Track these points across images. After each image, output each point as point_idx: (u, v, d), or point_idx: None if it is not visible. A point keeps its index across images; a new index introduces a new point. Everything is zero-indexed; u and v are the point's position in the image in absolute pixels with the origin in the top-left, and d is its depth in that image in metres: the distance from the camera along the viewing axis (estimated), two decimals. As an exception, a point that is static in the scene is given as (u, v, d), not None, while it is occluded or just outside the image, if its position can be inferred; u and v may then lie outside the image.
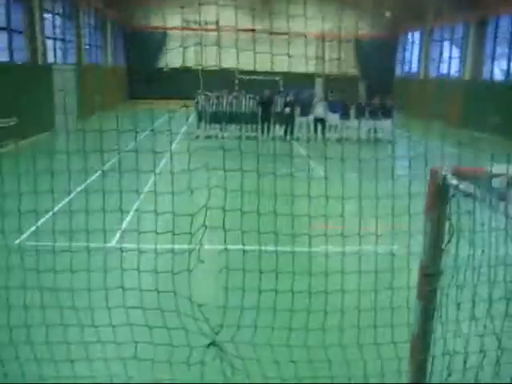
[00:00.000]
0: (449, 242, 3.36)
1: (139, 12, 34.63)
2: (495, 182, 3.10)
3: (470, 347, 3.54)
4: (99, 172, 5.00)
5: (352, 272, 4.01)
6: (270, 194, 4.40)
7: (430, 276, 3.45)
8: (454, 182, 3.23)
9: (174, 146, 17.55)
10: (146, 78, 34.89)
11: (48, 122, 20.14)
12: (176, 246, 4.23)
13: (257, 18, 34.81)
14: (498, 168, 3.18)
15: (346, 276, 4.03)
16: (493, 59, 25.31)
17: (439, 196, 3.38)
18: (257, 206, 3.93)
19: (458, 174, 3.33)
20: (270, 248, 4.30)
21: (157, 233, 4.03)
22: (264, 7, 34.50)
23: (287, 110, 20.21)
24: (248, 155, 4.57)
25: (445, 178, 3.31)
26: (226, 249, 3.99)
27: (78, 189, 10.34)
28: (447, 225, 3.36)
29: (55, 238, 4.14)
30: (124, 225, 8.33)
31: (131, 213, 8.79)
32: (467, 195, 3.14)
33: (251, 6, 34.65)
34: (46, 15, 21.00)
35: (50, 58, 21.49)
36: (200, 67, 28.01)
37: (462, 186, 3.18)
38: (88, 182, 11.43)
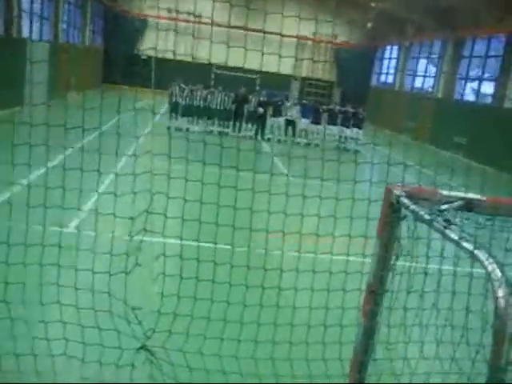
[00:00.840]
0: (396, 260, 3.42)
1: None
2: (444, 206, 3.18)
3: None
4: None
5: (304, 286, 4.04)
6: (229, 191, 4.43)
7: (375, 294, 3.51)
8: (407, 202, 3.27)
9: (141, 134, 17.42)
10: (122, 63, 34.48)
11: (18, 96, 19.77)
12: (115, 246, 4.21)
13: (238, 14, 34.74)
14: (451, 194, 3.25)
15: (297, 284, 4.06)
16: (466, 80, 25.80)
17: (391, 215, 3.42)
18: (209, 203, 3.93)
19: (411, 195, 3.38)
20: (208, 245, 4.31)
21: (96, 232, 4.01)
22: (247, 4, 34.52)
23: (260, 109, 20.25)
24: (214, 149, 4.63)
25: (398, 198, 3.34)
26: (163, 253, 3.99)
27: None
28: (396, 245, 3.42)
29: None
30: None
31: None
32: (417, 217, 3.18)
33: (233, 2, 34.64)
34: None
35: (26, 33, 21.07)
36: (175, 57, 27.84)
37: (412, 207, 3.23)
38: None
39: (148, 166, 4.29)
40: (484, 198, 3.30)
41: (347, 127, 20.90)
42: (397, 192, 3.38)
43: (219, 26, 35.03)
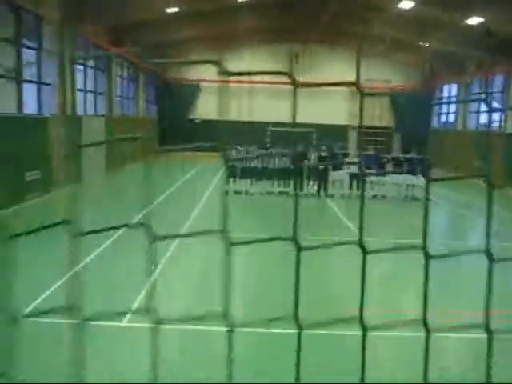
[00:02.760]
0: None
1: (172, 64, 34.74)
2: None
3: None
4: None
5: None
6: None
7: None
8: None
9: (200, 204, 16.83)
10: (177, 129, 34.68)
11: (75, 174, 19.69)
12: None
13: (289, 70, 34.56)
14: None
15: None
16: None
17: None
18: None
19: None
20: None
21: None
22: (297, 62, 34.35)
23: (320, 165, 19.36)
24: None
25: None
26: None
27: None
28: None
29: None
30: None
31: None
32: None
33: (283, 58, 34.61)
34: (78, 67, 20.88)
35: (80, 110, 21.26)
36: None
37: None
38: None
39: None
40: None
41: (414, 175, 19.67)
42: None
43: (269, 83, 35.03)
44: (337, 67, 34.89)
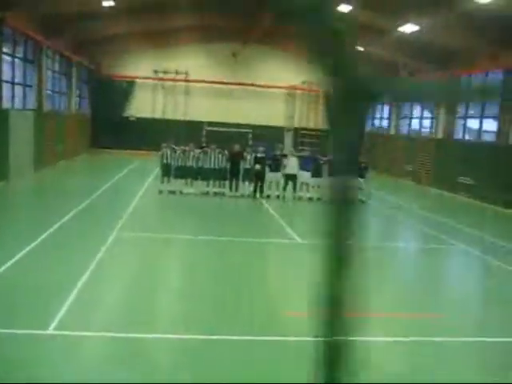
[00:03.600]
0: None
1: (107, 60, 33.79)
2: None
3: None
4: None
5: None
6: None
7: None
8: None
9: (132, 205, 16.33)
10: (110, 126, 33.75)
11: (1, 171, 18.74)
12: None
13: (227, 70, 34.35)
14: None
15: None
16: (465, 118, 25.07)
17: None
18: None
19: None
20: None
21: None
22: (235, 60, 34.16)
23: (257, 166, 19.21)
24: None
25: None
26: None
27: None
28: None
29: None
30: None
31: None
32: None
33: (221, 58, 34.34)
34: (4, 57, 19.83)
35: (7, 104, 20.20)
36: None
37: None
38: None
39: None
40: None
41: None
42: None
43: (206, 82, 34.65)
44: (275, 68, 34.95)
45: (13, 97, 21.20)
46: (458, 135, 25.37)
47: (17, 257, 9.65)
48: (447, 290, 10.09)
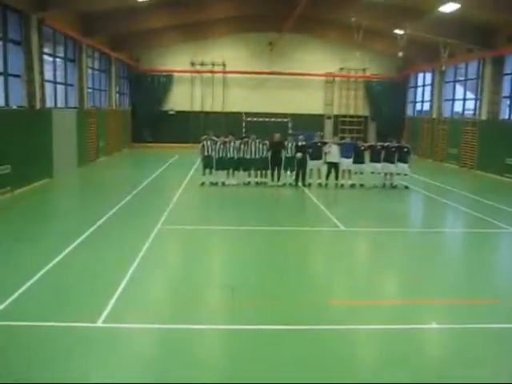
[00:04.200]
0: None
1: (145, 54, 34.06)
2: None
3: None
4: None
5: None
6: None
7: None
8: None
9: (175, 197, 16.43)
10: (150, 121, 34.10)
11: (46, 168, 19.13)
12: None
13: (264, 59, 34.16)
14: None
15: None
16: (511, 98, 24.24)
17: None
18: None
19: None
20: None
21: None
22: (271, 49, 33.93)
23: (299, 154, 19.03)
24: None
25: None
26: None
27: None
28: None
29: None
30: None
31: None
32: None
33: (258, 48, 34.15)
34: (46, 58, 20.19)
35: (50, 103, 20.56)
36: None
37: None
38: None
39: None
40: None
41: (392, 163, 19.49)
42: None
43: (244, 73, 34.56)
44: (311, 55, 34.57)
45: (55, 96, 21.60)
46: (505, 115, 24.60)
47: (72, 246, 9.85)
48: (503, 276, 9.78)
